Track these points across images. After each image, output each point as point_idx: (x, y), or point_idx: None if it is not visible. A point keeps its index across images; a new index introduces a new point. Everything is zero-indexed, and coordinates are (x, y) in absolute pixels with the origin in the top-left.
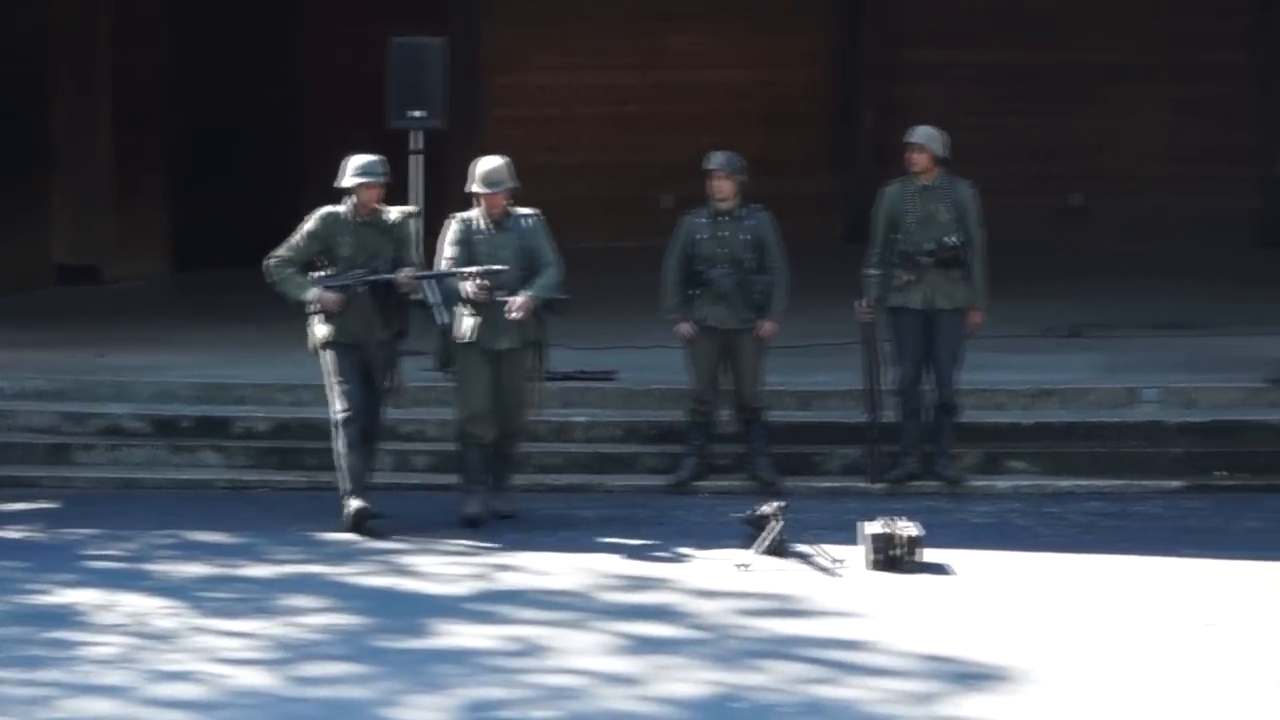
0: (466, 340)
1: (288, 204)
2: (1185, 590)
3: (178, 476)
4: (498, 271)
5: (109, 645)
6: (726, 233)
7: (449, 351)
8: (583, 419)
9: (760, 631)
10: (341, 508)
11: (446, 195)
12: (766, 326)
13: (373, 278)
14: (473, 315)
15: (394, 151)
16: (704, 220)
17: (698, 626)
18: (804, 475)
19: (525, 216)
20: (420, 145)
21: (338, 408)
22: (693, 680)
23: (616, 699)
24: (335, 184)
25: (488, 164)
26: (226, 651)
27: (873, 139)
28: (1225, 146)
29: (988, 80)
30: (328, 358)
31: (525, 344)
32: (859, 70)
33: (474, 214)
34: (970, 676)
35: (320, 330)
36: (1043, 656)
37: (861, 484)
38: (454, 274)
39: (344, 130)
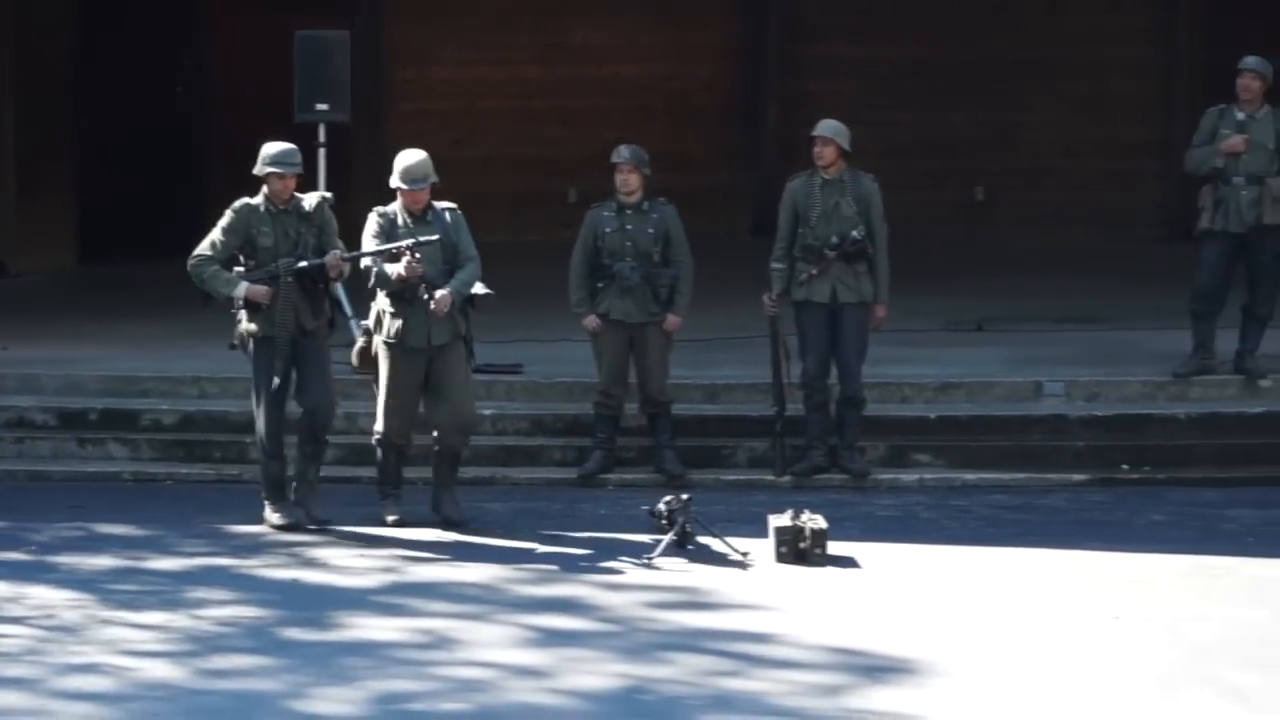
0: (391, 340)
1: (193, 197)
2: (1090, 583)
3: (84, 469)
4: (429, 242)
5: (16, 638)
6: (632, 226)
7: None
8: (490, 412)
9: (668, 624)
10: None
11: (351, 187)
12: (672, 320)
13: (301, 264)
14: (395, 316)
15: (300, 144)
16: (610, 214)
17: (605, 619)
18: (711, 468)
19: (446, 210)
20: (324, 139)
21: (261, 415)
22: (601, 673)
23: (525, 691)
24: (253, 171)
25: (410, 158)
26: (135, 644)
27: (777, 133)
28: (1127, 142)
29: (890, 75)
30: (255, 354)
31: (455, 338)
32: (763, 65)
33: (394, 207)
34: (877, 669)
35: (248, 325)
36: (949, 649)
37: (768, 477)
38: (383, 251)
39: (249, 123)
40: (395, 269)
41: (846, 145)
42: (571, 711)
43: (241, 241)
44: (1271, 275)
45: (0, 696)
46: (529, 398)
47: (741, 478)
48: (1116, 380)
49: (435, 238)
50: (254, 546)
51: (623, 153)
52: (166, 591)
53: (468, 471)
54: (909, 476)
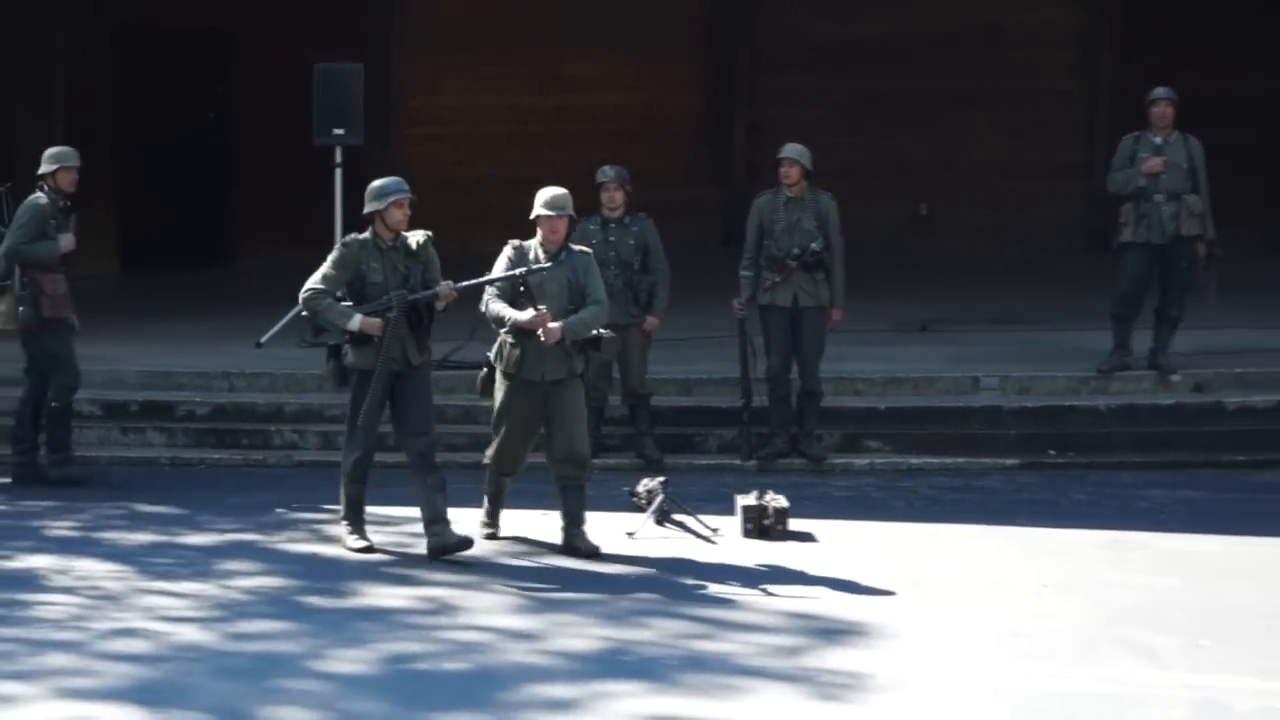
0: (509, 371)
1: (222, 213)
2: (1020, 555)
3: (126, 454)
4: (540, 269)
5: (63, 605)
6: (615, 238)
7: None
8: (485, 404)
9: (646, 592)
10: (341, 531)
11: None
12: (651, 321)
13: (414, 297)
14: (515, 346)
15: (319, 166)
16: (595, 227)
17: (591, 588)
18: (685, 454)
19: (580, 251)
20: (340, 160)
21: (356, 445)
22: (586, 636)
23: (519, 653)
24: (363, 212)
25: (552, 190)
26: (170, 611)
27: (744, 155)
28: (1056, 163)
29: (845, 104)
30: (357, 386)
31: (570, 375)
32: (731, 94)
33: (531, 241)
34: (833, 632)
35: (354, 358)
36: (897, 614)
37: (736, 461)
38: (494, 280)
39: (273, 146)
40: (516, 316)
41: (809, 165)
42: (560, 670)
43: (351, 276)
44: (1184, 281)
45: (50, 658)
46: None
47: (712, 462)
48: (1045, 375)
49: (546, 265)
50: (278, 524)
51: (608, 172)
52: (199, 564)
53: (469, 456)
54: (861, 461)
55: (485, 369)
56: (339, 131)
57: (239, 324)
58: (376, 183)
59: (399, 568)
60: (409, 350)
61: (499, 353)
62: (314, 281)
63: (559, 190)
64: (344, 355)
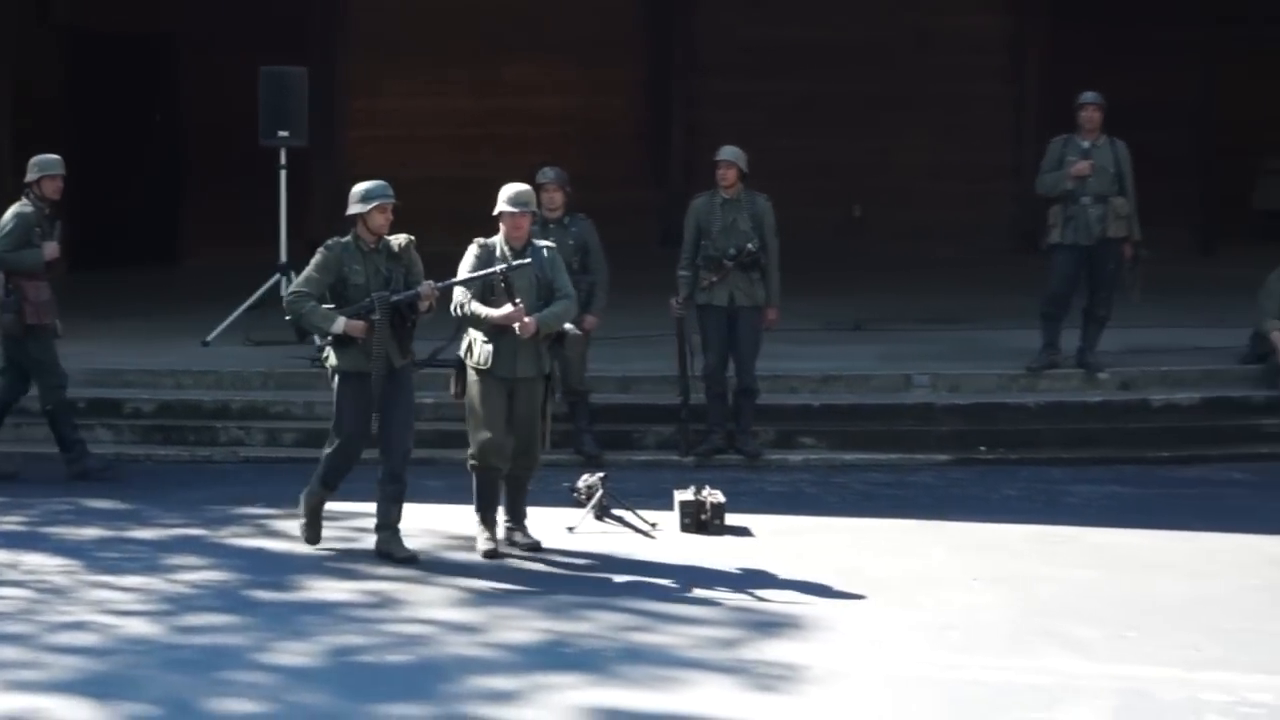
0: (481, 367)
1: (169, 214)
2: (952, 549)
3: (95, 451)
4: (521, 266)
5: (12, 599)
6: (555, 238)
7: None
8: (430, 400)
9: (586, 586)
10: (303, 523)
11: (309, 204)
12: (590, 320)
13: (396, 297)
14: (486, 342)
15: (263, 167)
16: (535, 227)
17: (531, 582)
18: (624, 450)
19: (544, 247)
20: (285, 161)
21: (336, 449)
22: (527, 629)
23: (461, 645)
24: (346, 214)
25: (515, 186)
26: (117, 604)
27: (681, 157)
28: (985, 166)
29: (780, 107)
30: (340, 389)
31: (539, 374)
32: (668, 98)
33: (495, 239)
34: (770, 625)
35: (336, 361)
36: (832, 607)
37: (674, 457)
38: (477, 277)
39: (219, 147)
40: (492, 313)
41: (745, 168)
42: (501, 662)
43: (334, 279)
44: (1111, 282)
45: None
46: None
47: (650, 458)
48: (975, 373)
49: (527, 261)
50: (224, 519)
51: (547, 174)
52: (146, 558)
53: (422, 453)
54: (796, 457)
55: (456, 369)
56: (284, 133)
57: (186, 323)
58: (360, 186)
59: (343, 562)
60: (392, 354)
61: (469, 350)
62: (297, 285)
63: (522, 186)
64: (325, 357)
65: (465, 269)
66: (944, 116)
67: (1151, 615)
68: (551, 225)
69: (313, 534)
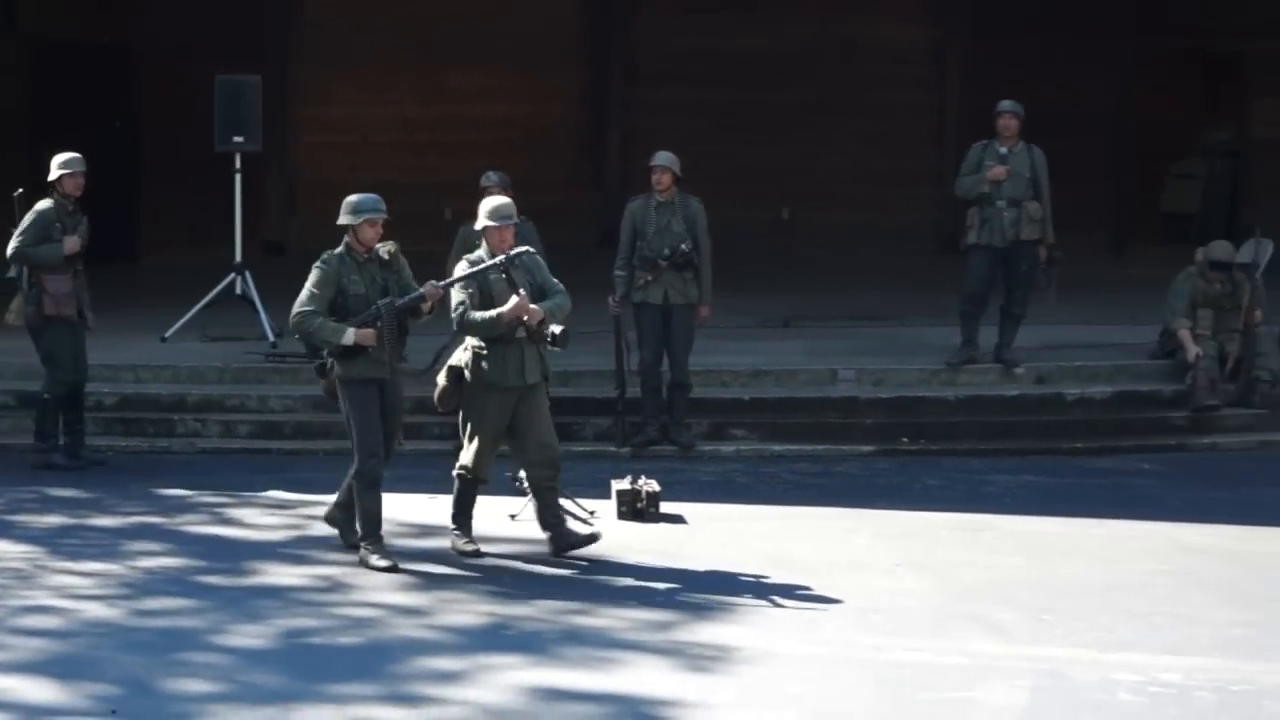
0: (490, 381)
1: (128, 216)
2: (876, 536)
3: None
4: (524, 253)
5: None
6: None
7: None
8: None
9: (527, 571)
10: (364, 553)
11: (263, 206)
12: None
13: (400, 302)
14: (492, 357)
15: (219, 172)
16: (479, 229)
17: (475, 567)
18: (563, 441)
19: (524, 252)
20: (240, 166)
21: (367, 457)
22: (472, 612)
23: (408, 628)
24: (337, 223)
25: (495, 200)
26: (78, 589)
27: (618, 162)
28: (908, 170)
29: (711, 114)
30: (354, 398)
31: (542, 377)
32: (606, 105)
33: (479, 253)
34: (703, 608)
35: (344, 370)
36: (763, 591)
37: (611, 448)
38: (480, 271)
39: (177, 152)
40: (501, 310)
41: (679, 172)
42: (446, 644)
43: (335, 292)
44: (1026, 282)
45: None
46: (412, 384)
47: (589, 449)
48: (898, 368)
49: (528, 248)
50: (181, 507)
51: (491, 177)
52: (106, 545)
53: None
54: (728, 448)
55: (446, 380)
56: (238, 139)
57: (145, 320)
58: (352, 198)
59: (294, 548)
60: (395, 359)
61: (472, 364)
62: (302, 304)
63: (502, 200)
64: (330, 369)
65: (458, 284)
66: (869, 123)
67: (1067, 599)
68: None
69: (383, 550)
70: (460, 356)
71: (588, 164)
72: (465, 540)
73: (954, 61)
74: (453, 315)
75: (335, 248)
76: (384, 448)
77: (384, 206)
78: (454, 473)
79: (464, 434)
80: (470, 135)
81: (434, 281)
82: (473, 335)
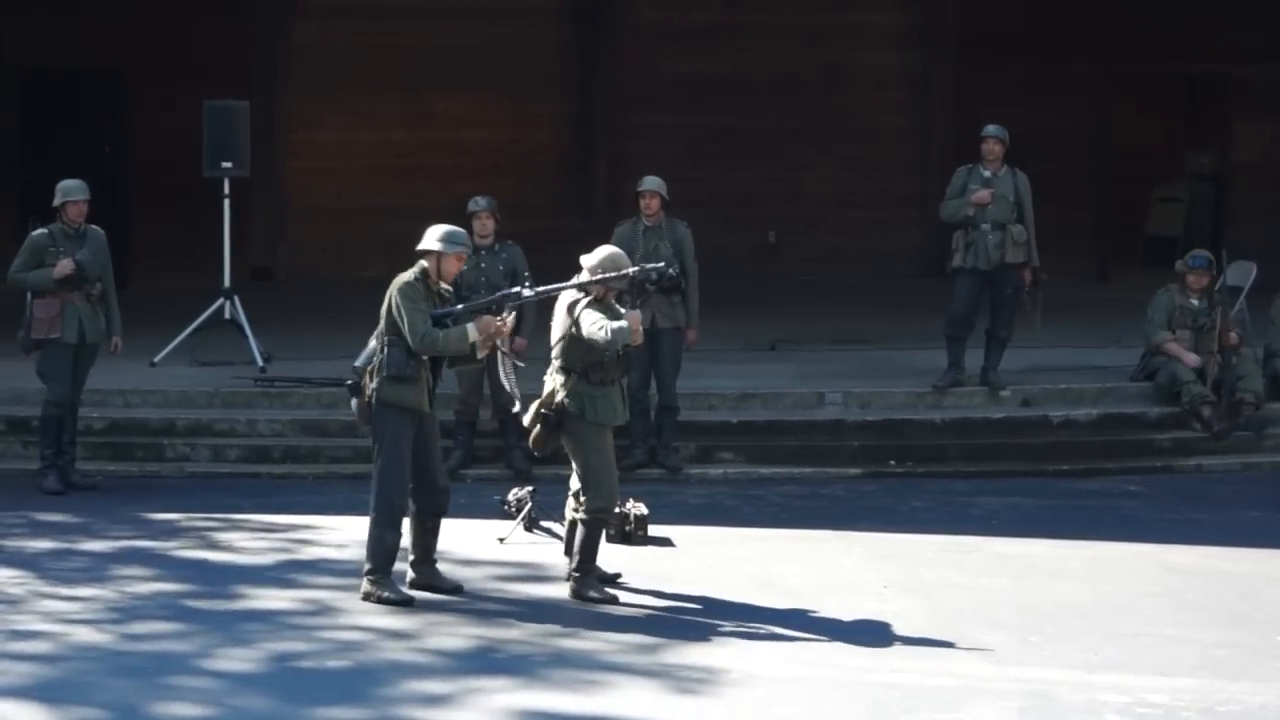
0: (601, 420)
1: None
2: (864, 558)
3: (28, 467)
4: (659, 269)
5: None
6: (485, 264)
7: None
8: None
9: (516, 594)
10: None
11: (251, 231)
12: (519, 342)
13: (529, 294)
14: (601, 396)
15: (207, 196)
16: (469, 254)
17: (462, 590)
18: (551, 465)
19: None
20: (228, 191)
21: (400, 489)
22: (459, 635)
23: (396, 651)
24: (418, 248)
25: (606, 249)
26: (67, 613)
27: (605, 187)
28: (892, 194)
29: (698, 140)
30: (399, 427)
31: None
32: (593, 130)
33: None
34: (690, 630)
35: (398, 395)
36: (750, 613)
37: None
38: (625, 274)
39: (166, 178)
40: (626, 321)
41: (666, 196)
42: (435, 667)
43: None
44: (1010, 305)
45: None
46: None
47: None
48: (884, 391)
49: (661, 265)
50: (170, 531)
51: (479, 202)
52: (95, 569)
53: (348, 467)
54: (715, 471)
55: (546, 422)
56: (227, 164)
57: (133, 344)
58: (446, 228)
59: (283, 572)
60: (431, 393)
61: (584, 404)
62: (422, 326)
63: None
64: (368, 393)
65: (588, 307)
66: (854, 148)
67: (1053, 620)
68: (482, 251)
69: (393, 587)
70: (565, 394)
71: (574, 189)
72: (599, 591)
73: (938, 86)
74: (595, 333)
75: (405, 274)
76: (440, 478)
77: (466, 240)
78: (582, 517)
79: (593, 475)
80: (456, 161)
81: (528, 281)
82: (608, 347)
